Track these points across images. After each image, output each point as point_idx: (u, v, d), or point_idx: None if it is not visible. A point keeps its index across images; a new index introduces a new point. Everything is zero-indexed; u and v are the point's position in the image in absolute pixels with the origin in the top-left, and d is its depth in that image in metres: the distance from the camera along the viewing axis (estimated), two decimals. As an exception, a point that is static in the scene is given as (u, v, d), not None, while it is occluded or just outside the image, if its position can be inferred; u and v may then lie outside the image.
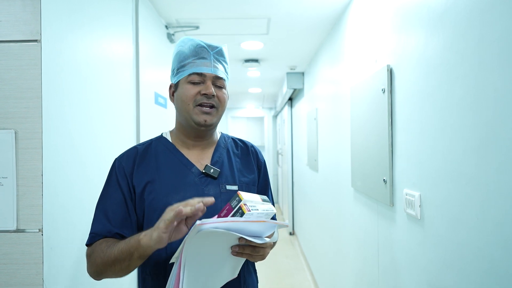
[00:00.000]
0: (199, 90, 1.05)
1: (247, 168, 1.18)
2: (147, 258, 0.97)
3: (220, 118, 1.12)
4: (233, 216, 0.85)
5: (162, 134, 1.17)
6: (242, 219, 0.83)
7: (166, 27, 2.60)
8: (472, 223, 0.99)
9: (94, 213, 1.03)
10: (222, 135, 1.22)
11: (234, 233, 0.83)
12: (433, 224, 1.21)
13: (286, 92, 4.76)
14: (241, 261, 1.00)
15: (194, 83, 1.06)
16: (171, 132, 1.17)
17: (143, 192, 1.04)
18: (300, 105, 4.72)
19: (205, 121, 1.06)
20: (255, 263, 1.16)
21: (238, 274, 1.03)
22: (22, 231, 1.06)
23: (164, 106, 2.50)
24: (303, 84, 4.44)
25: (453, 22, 1.08)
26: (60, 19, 1.19)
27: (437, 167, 1.17)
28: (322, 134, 3.19)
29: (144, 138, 2.02)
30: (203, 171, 1.08)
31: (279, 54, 3.61)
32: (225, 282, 0.98)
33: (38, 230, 1.06)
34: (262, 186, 1.21)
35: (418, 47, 1.29)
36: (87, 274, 1.04)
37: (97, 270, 0.96)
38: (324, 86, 3.11)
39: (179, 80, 1.09)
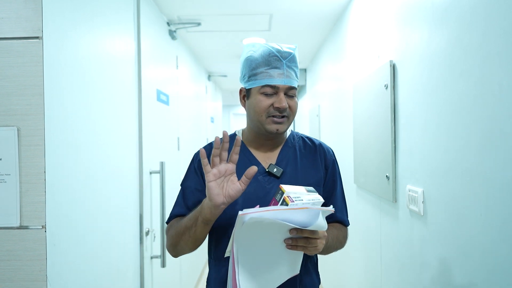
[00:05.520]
0: (272, 103, 1.07)
1: (313, 168, 1.16)
2: (210, 229, 1.02)
3: (291, 124, 1.14)
4: None
5: (235, 132, 1.24)
6: (284, 207, 0.84)
7: (168, 24, 2.59)
8: (476, 219, 0.99)
9: (178, 194, 1.16)
10: (292, 134, 1.23)
11: (280, 221, 0.82)
12: (436, 220, 1.20)
13: (288, 89, 4.74)
14: (299, 256, 0.97)
15: (266, 95, 1.08)
16: (243, 131, 1.22)
17: None
18: (302, 102, 4.71)
19: (277, 130, 1.09)
20: (317, 264, 1.18)
21: None
22: (26, 227, 1.06)
23: (166, 103, 2.49)
24: (306, 80, 4.43)
25: (457, 17, 1.07)
26: (61, 15, 1.18)
27: (441, 163, 1.16)
28: (324, 130, 3.19)
29: (146, 135, 2.01)
30: (267, 170, 1.11)
31: (281, 51, 3.59)
32: (285, 279, 0.96)
33: (41, 227, 1.06)
34: (329, 187, 1.18)
35: (422, 43, 1.28)
36: (91, 271, 1.05)
37: (172, 242, 1.07)
38: (327, 83, 3.10)
39: (251, 88, 1.10)
